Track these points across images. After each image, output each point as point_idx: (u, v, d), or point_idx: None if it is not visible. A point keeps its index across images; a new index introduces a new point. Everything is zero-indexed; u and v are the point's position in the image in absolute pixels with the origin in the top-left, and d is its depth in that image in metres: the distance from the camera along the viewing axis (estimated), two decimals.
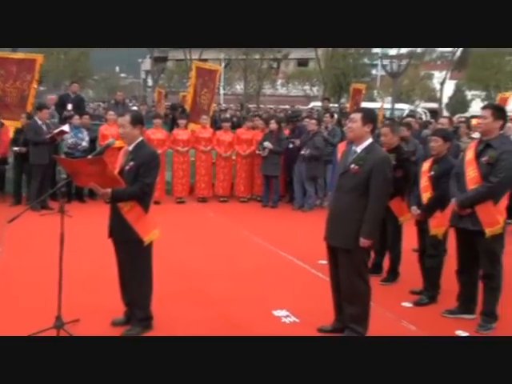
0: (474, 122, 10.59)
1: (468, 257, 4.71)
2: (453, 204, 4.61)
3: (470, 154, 4.60)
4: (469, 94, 37.29)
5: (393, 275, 5.87)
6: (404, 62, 15.33)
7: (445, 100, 39.10)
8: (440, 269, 5.25)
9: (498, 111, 4.53)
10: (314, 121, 9.80)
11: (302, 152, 9.64)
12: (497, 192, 4.46)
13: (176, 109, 13.67)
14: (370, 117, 4.13)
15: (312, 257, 6.27)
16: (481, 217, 4.47)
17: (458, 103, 38.39)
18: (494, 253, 4.56)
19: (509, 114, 13.62)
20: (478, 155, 4.53)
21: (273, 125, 10.04)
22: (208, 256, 6.69)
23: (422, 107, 32.56)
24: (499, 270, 4.62)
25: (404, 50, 45.60)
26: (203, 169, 10.39)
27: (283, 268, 6.35)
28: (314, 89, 35.88)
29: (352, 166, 4.09)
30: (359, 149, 4.14)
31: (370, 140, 4.14)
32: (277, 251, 7.01)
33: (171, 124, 12.85)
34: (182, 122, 10.50)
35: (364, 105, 24.12)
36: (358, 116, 4.11)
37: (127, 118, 4.20)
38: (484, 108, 4.68)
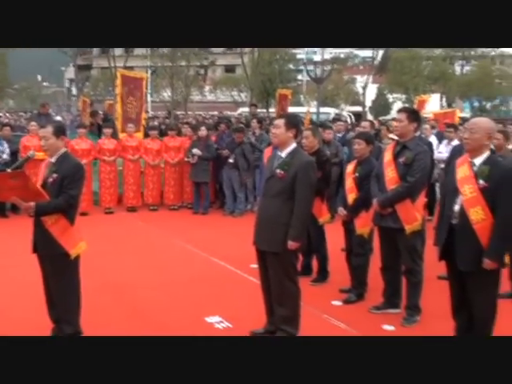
0: (394, 124, 10.98)
1: (391, 254, 4.91)
2: (375, 204, 4.80)
3: (388, 156, 4.81)
4: (390, 97, 38.75)
5: (322, 275, 6.01)
6: (328, 68, 15.77)
7: (368, 103, 40.49)
8: (366, 267, 5.44)
9: (413, 114, 4.78)
10: (237, 132, 9.85)
11: (231, 160, 9.71)
12: (414, 191, 4.69)
13: (96, 115, 13.28)
14: (293, 122, 4.23)
15: (244, 261, 6.32)
16: (401, 215, 4.69)
17: (381, 106, 39.85)
18: (415, 249, 4.78)
19: (426, 115, 14.30)
20: (396, 156, 4.75)
21: (202, 131, 10.06)
22: (138, 266, 6.60)
23: (347, 111, 33.51)
24: (420, 264, 4.85)
25: (328, 56, 46.99)
26: (131, 178, 10.23)
27: (215, 274, 6.36)
28: (242, 95, 36.15)
29: (277, 170, 4.17)
30: (284, 154, 4.23)
31: (294, 145, 4.24)
32: (208, 257, 7.02)
33: (98, 132, 12.54)
34: (107, 131, 10.29)
35: (291, 110, 24.59)
36: (281, 122, 4.20)
37: (50, 129, 4.09)
38: (399, 111, 4.91)
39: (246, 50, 33.99)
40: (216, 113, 26.16)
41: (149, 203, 10.37)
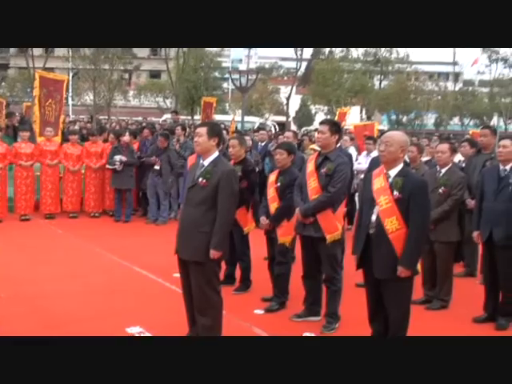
0: (316, 135, 11.26)
1: (312, 262, 5.01)
2: (297, 213, 4.89)
3: (310, 166, 4.93)
4: (313, 108, 39.74)
5: (245, 284, 6.04)
6: (252, 77, 15.96)
7: (292, 113, 41.32)
8: (288, 275, 5.52)
9: (334, 126, 4.92)
10: (162, 138, 9.74)
11: (157, 167, 9.58)
12: (335, 201, 4.83)
13: (11, 116, 12.68)
14: (215, 130, 4.23)
15: (166, 270, 6.23)
16: (322, 224, 4.81)
17: (304, 117, 40.80)
18: (335, 257, 4.91)
19: (347, 127, 14.77)
20: (318, 167, 4.87)
21: (126, 137, 9.87)
22: (55, 276, 6.35)
23: (272, 120, 34.01)
24: (340, 273, 4.99)
25: (253, 65, 47.54)
26: (49, 183, 9.84)
27: (137, 283, 6.24)
28: (167, 101, 35.81)
29: (200, 179, 4.16)
30: (206, 162, 4.22)
31: (216, 153, 4.24)
32: (130, 267, 6.87)
33: (14, 135, 11.97)
34: (24, 134, 9.85)
35: (217, 118, 24.67)
36: (203, 130, 4.19)
37: None
38: (322, 123, 5.05)
39: (172, 55, 33.77)
40: (140, 118, 25.74)
41: (68, 210, 10.02)
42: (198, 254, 4.13)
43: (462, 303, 5.74)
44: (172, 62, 32.90)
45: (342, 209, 4.96)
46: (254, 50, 50.90)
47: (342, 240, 5.04)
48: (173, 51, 33.14)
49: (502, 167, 5.16)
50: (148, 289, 6.07)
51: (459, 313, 5.50)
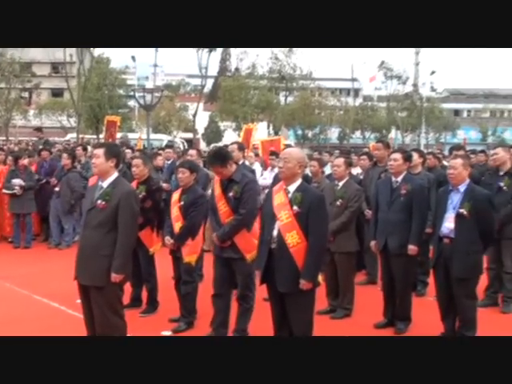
0: None
1: (225, 281, 4.95)
2: (214, 238, 4.87)
3: (217, 190, 4.92)
4: (221, 124, 40.03)
5: (152, 306, 5.93)
6: (158, 94, 15.85)
7: (201, 130, 41.40)
8: (195, 295, 5.48)
9: (242, 145, 4.97)
10: (66, 155, 9.43)
11: (57, 189, 9.22)
12: (248, 221, 4.85)
13: None
14: (113, 151, 4.15)
15: (69, 297, 5.96)
16: (240, 245, 4.81)
17: (213, 133, 41.02)
18: (251, 275, 4.91)
19: (255, 142, 15.01)
20: (225, 190, 4.85)
21: (24, 160, 9.43)
22: None
23: (180, 137, 33.87)
24: (253, 291, 5.00)
25: (160, 82, 47.21)
26: None
27: (37, 313, 5.94)
28: (72, 120, 34.67)
29: (98, 201, 4.06)
30: (105, 184, 4.13)
31: (115, 174, 4.16)
32: (30, 295, 6.54)
33: None
34: None
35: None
36: (100, 151, 4.11)
37: None
38: (232, 144, 5.09)
39: (74, 73, 32.79)
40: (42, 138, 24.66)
41: None
42: (98, 279, 4.02)
43: (365, 310, 5.96)
44: (74, 79, 31.93)
45: (257, 223, 4.95)
46: (160, 68, 50.59)
47: None
48: (74, 69, 32.20)
49: (394, 179, 5.45)
50: (49, 317, 5.79)
51: (362, 320, 5.72)
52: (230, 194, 4.81)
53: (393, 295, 5.50)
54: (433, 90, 42.23)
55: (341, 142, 39.69)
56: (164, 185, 7.32)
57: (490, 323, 5.48)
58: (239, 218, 4.78)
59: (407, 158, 5.50)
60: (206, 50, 34.15)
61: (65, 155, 9.44)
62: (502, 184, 6.04)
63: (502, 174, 6.10)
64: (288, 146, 20.43)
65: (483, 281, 5.88)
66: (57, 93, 41.77)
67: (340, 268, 5.80)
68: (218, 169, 4.84)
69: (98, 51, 33.38)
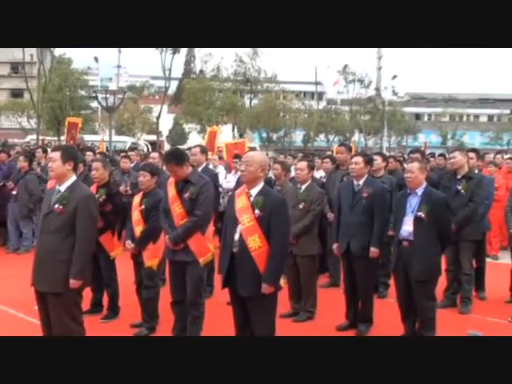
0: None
1: (182, 287, 4.82)
2: (167, 241, 4.77)
3: (172, 191, 4.82)
4: (186, 127, 39.81)
5: (113, 311, 5.83)
6: (120, 96, 15.64)
7: (165, 132, 41.10)
8: (157, 299, 5.41)
9: (204, 147, 4.92)
10: (22, 157, 9.20)
11: (14, 192, 8.99)
12: (203, 224, 4.77)
13: None
14: (70, 155, 4.07)
15: (27, 303, 5.78)
16: (193, 248, 4.72)
17: (178, 135, 40.74)
18: (202, 280, 4.85)
19: (219, 145, 14.97)
20: (180, 191, 4.77)
21: None
22: None
23: (144, 140, 33.54)
24: (203, 297, 4.94)
25: (123, 84, 46.66)
26: None
27: None
28: (32, 121, 33.92)
29: (56, 205, 3.97)
30: (63, 188, 4.05)
31: (73, 178, 4.09)
32: None
33: None
34: None
35: (86, 138, 23.78)
36: (57, 155, 4.02)
37: None
38: (195, 147, 5.04)
39: (34, 73, 32.10)
40: (1, 139, 24.06)
41: None
42: (55, 285, 3.93)
43: (327, 313, 6.00)
44: (35, 80, 31.25)
45: (211, 228, 4.95)
46: (123, 69, 50.03)
47: (213, 261, 4.99)
48: (35, 69, 31.54)
49: (355, 182, 5.51)
50: (6, 325, 5.62)
51: (324, 322, 5.75)
52: (186, 195, 4.72)
53: (355, 297, 5.55)
54: (394, 94, 43.02)
55: (305, 145, 40.00)
56: (121, 188, 7.19)
57: (449, 324, 5.59)
58: (194, 220, 4.69)
59: (368, 161, 5.57)
60: (170, 51, 33.90)
61: (21, 158, 9.21)
62: (459, 187, 6.17)
63: (459, 177, 6.23)
64: (252, 148, 20.51)
65: (442, 282, 6.01)
66: (16, 93, 40.85)
67: (303, 271, 5.83)
68: (173, 167, 4.75)
69: (59, 51, 32.81)
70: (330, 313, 6.00)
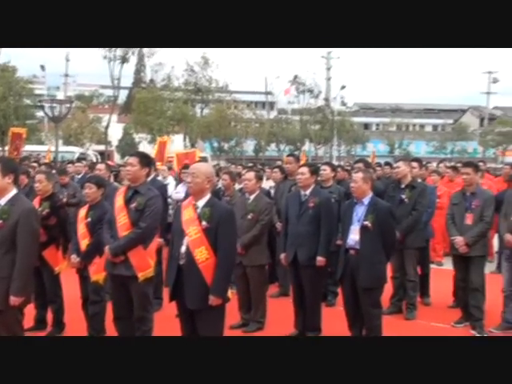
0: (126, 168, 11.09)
1: (124, 303, 4.70)
2: (106, 252, 4.66)
3: (119, 201, 4.71)
4: (136, 136, 39.29)
5: (58, 328, 5.66)
6: (68, 106, 15.31)
7: (115, 142, 40.46)
8: (103, 314, 5.29)
9: (144, 159, 4.82)
10: None
11: None
12: (146, 236, 4.66)
13: None
14: (10, 167, 3.95)
15: None
16: (133, 262, 4.59)
17: (128, 145, 40.13)
18: (147, 296, 4.72)
19: (170, 155, 14.86)
20: (128, 202, 4.68)
21: None
22: None
23: (93, 150, 32.91)
24: (151, 312, 4.83)
25: (71, 93, 45.75)
26: None
27: None
28: None
29: None
30: (3, 201, 3.93)
31: (13, 191, 3.96)
32: None
33: None
34: None
35: (33, 148, 23.15)
36: None
37: None
38: (131, 155, 4.93)
39: None
40: None
41: None
42: None
43: (277, 323, 6.02)
44: None
45: (155, 244, 4.85)
46: (72, 78, 49.07)
47: (154, 278, 4.88)
48: None
49: (302, 192, 5.58)
50: None
51: (274, 332, 5.74)
52: (133, 205, 4.63)
53: (303, 306, 5.60)
54: (343, 104, 43.88)
55: (256, 155, 40.19)
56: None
57: (395, 330, 5.70)
58: (138, 232, 4.59)
59: (314, 171, 5.66)
60: (118, 60, 33.48)
61: None
62: (403, 196, 6.34)
63: (403, 186, 6.40)
64: (204, 158, 20.47)
65: (388, 289, 6.14)
66: None
67: (252, 281, 5.83)
68: (133, 163, 4.68)
69: (2, 59, 31.84)
70: (279, 322, 6.02)
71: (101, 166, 7.14)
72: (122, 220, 4.64)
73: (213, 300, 3.93)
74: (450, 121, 53.17)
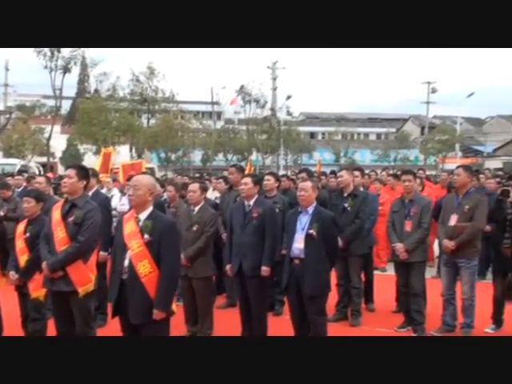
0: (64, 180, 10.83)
1: (65, 319, 4.61)
2: (44, 268, 4.54)
3: (56, 215, 4.62)
4: (81, 148, 38.42)
5: None
6: (7, 116, 14.83)
7: (59, 154, 39.41)
8: (44, 332, 5.14)
9: (82, 171, 4.74)
10: None
11: None
12: (85, 250, 4.58)
13: None
14: None
15: None
16: (73, 277, 4.51)
17: (72, 157, 39.16)
18: (89, 311, 4.66)
19: (115, 166, 14.57)
20: (65, 215, 4.59)
21: None
22: None
23: (35, 162, 31.94)
24: (95, 328, 4.79)
25: (12, 103, 44.34)
26: None
27: None
28: None
29: None
30: None
31: None
32: None
33: None
34: None
35: None
36: None
37: None
38: (69, 167, 4.84)
39: None
40: None
41: None
42: None
43: (224, 334, 5.98)
44: None
45: (94, 257, 4.75)
46: (12, 88, 47.54)
47: (95, 291, 4.79)
48: None
49: (246, 203, 5.60)
50: None
51: None
52: (70, 219, 4.55)
53: (250, 316, 5.61)
54: (289, 114, 44.30)
55: (204, 165, 40.04)
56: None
57: None
58: (77, 246, 4.51)
59: (257, 181, 5.70)
60: (60, 70, 32.66)
61: None
62: (346, 205, 6.47)
63: (346, 195, 6.54)
64: (150, 169, 20.23)
65: (333, 297, 6.24)
66: None
67: (198, 293, 5.80)
68: (71, 174, 4.64)
69: None
70: (227, 333, 6.00)
71: (40, 179, 6.93)
72: (59, 234, 4.55)
73: (157, 314, 3.90)
74: (393, 129, 54.60)
